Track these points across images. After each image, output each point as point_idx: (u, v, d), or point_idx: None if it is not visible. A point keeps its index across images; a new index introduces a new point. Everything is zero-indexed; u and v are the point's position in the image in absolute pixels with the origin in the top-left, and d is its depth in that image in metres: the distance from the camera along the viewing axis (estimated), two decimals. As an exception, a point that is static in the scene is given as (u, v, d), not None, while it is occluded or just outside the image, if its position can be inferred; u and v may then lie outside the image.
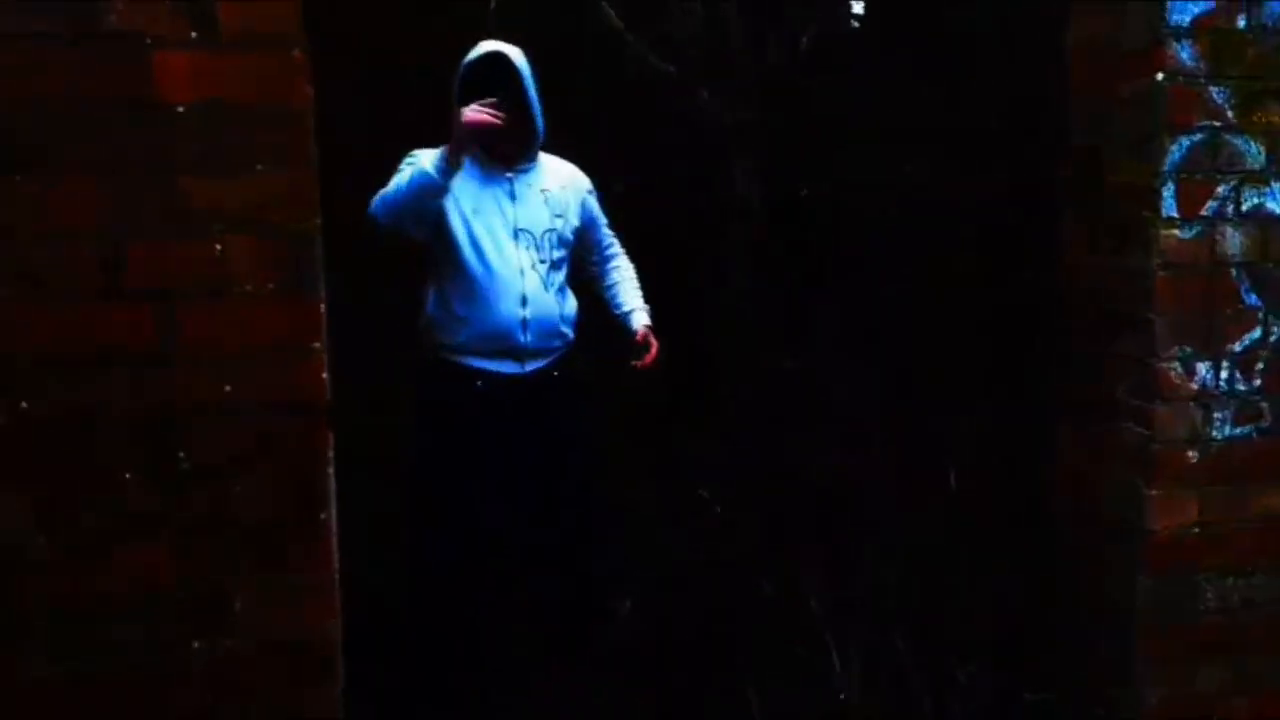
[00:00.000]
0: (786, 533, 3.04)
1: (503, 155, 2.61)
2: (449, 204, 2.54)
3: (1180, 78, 2.17)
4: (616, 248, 2.88)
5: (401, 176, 2.49)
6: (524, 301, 2.57)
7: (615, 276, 2.85)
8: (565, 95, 2.84)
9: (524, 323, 2.58)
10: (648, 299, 2.87)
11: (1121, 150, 2.27)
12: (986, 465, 2.99)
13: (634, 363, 2.72)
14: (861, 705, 2.39)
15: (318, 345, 1.65)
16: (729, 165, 3.81)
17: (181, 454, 1.61)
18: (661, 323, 2.84)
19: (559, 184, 2.70)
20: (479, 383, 2.58)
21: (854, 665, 2.43)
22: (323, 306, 1.66)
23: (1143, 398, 2.24)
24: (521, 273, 2.57)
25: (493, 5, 3.30)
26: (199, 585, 1.64)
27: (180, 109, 1.55)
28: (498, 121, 2.40)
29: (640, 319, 2.79)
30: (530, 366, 2.63)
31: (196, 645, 1.64)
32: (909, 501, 3.10)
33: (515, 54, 2.52)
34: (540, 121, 2.59)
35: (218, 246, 1.58)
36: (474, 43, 2.54)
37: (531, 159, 2.66)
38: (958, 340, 3.28)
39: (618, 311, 2.83)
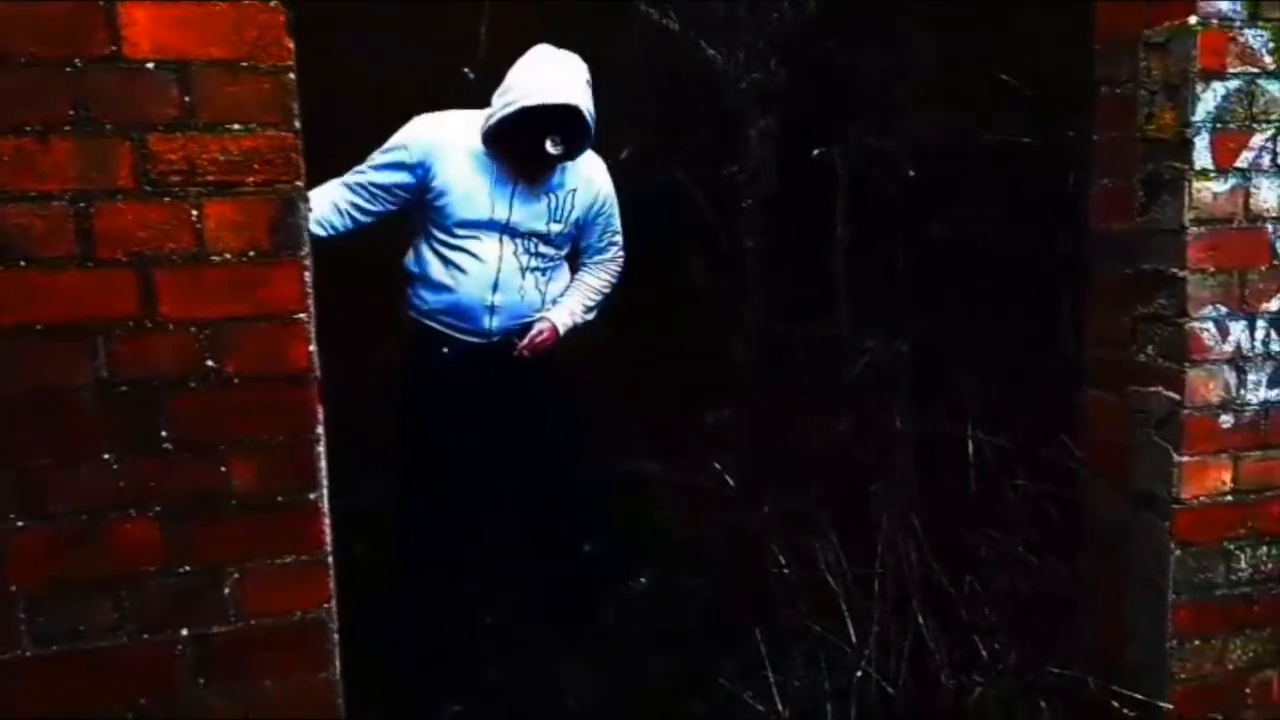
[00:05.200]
0: (802, 506, 2.96)
1: (529, 175, 2.54)
2: (437, 183, 2.50)
3: (1215, 21, 2.06)
4: (604, 257, 2.77)
5: (327, 203, 2.49)
6: (495, 287, 2.55)
7: (576, 280, 2.75)
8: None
9: (491, 308, 2.56)
10: (655, 265, 2.80)
11: (1151, 100, 2.15)
12: (1012, 433, 2.90)
13: (519, 346, 2.62)
14: (879, 682, 2.32)
15: (303, 315, 1.57)
16: (741, 127, 3.70)
17: (164, 431, 1.54)
18: (673, 291, 2.75)
19: (572, 186, 2.62)
20: (445, 349, 2.60)
21: (871, 641, 2.36)
22: (308, 273, 1.58)
23: (1173, 360, 2.14)
24: (501, 259, 2.54)
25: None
26: (185, 567, 1.58)
27: (150, 65, 1.47)
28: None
29: (554, 312, 2.66)
30: (497, 338, 2.61)
31: (185, 632, 1.58)
32: (931, 472, 3.01)
33: (585, 101, 2.43)
34: (581, 153, 2.55)
35: (193, 211, 1.50)
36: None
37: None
38: (981, 304, 3.18)
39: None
